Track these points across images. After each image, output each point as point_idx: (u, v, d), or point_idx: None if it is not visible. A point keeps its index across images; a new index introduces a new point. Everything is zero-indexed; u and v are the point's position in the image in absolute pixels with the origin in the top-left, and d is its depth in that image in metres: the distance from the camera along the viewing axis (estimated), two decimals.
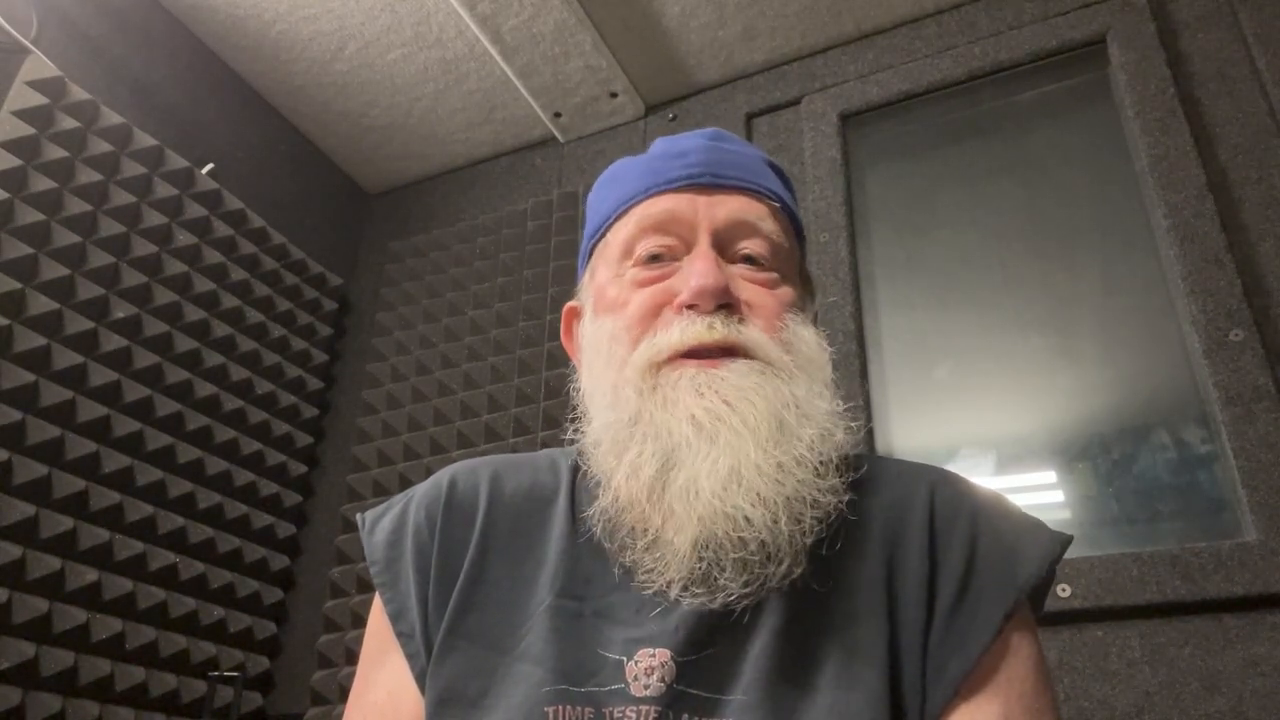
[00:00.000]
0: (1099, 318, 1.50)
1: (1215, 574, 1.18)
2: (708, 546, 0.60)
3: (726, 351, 0.65)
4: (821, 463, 0.63)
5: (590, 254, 0.79)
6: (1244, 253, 1.37)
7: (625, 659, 0.62)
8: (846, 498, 0.63)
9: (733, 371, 0.64)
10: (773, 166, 0.78)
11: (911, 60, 1.78)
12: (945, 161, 1.78)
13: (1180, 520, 1.32)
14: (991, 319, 1.59)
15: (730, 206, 0.71)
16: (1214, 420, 1.29)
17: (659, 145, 0.78)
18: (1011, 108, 1.74)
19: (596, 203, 0.80)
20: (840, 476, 0.63)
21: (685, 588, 0.61)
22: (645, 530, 0.64)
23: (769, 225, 0.72)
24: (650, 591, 0.63)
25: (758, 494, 0.60)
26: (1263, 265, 1.35)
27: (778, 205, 0.74)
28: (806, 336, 0.69)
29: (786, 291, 0.71)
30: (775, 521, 0.60)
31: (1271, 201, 1.38)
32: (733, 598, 0.60)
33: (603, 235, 0.77)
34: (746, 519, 0.59)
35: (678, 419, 0.63)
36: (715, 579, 0.61)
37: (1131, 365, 1.45)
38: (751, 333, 0.66)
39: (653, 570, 0.63)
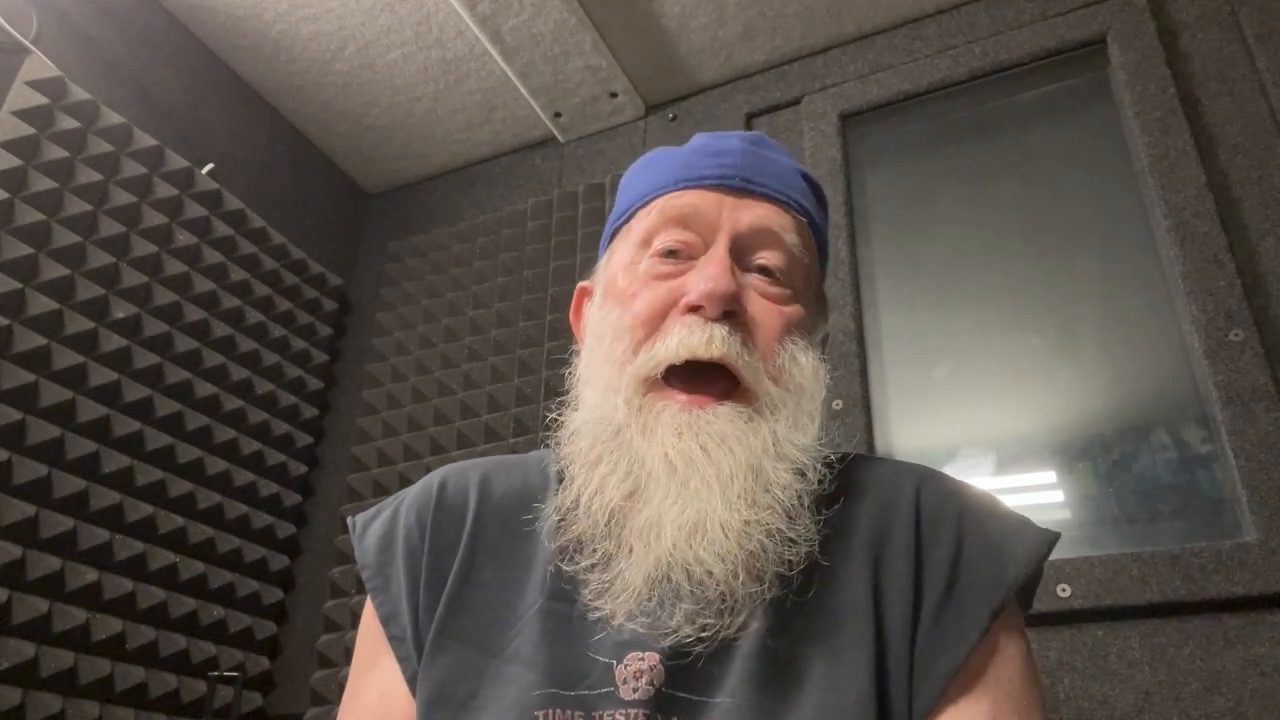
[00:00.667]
0: (1099, 318, 1.50)
1: (1215, 574, 1.18)
2: (660, 585, 0.60)
3: (719, 378, 0.65)
4: (796, 504, 0.62)
5: (612, 237, 0.78)
6: (1244, 253, 1.36)
7: (614, 662, 0.62)
8: (819, 540, 0.62)
9: (718, 416, 0.64)
10: (809, 181, 0.77)
11: (911, 60, 1.78)
12: (945, 161, 1.78)
13: (1180, 520, 1.32)
14: (991, 319, 1.59)
15: (755, 213, 0.70)
16: (1214, 420, 1.29)
17: (698, 140, 0.77)
18: (1011, 108, 1.74)
19: (626, 188, 0.78)
20: (814, 518, 0.62)
21: (631, 617, 0.61)
22: (594, 550, 0.64)
23: (791, 238, 0.71)
24: (594, 617, 0.63)
25: (720, 549, 0.59)
26: (1263, 265, 1.35)
27: (804, 220, 0.73)
28: (803, 363, 0.68)
29: (795, 310, 0.70)
30: (734, 579, 0.59)
31: (1271, 201, 1.38)
32: (688, 639, 0.60)
33: (626, 221, 0.76)
34: (707, 571, 0.59)
35: (653, 454, 0.63)
36: (662, 619, 0.61)
37: (1131, 365, 1.45)
38: (749, 358, 0.65)
39: (600, 595, 0.63)
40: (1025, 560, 0.63)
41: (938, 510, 0.65)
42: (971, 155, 1.76)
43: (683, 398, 0.65)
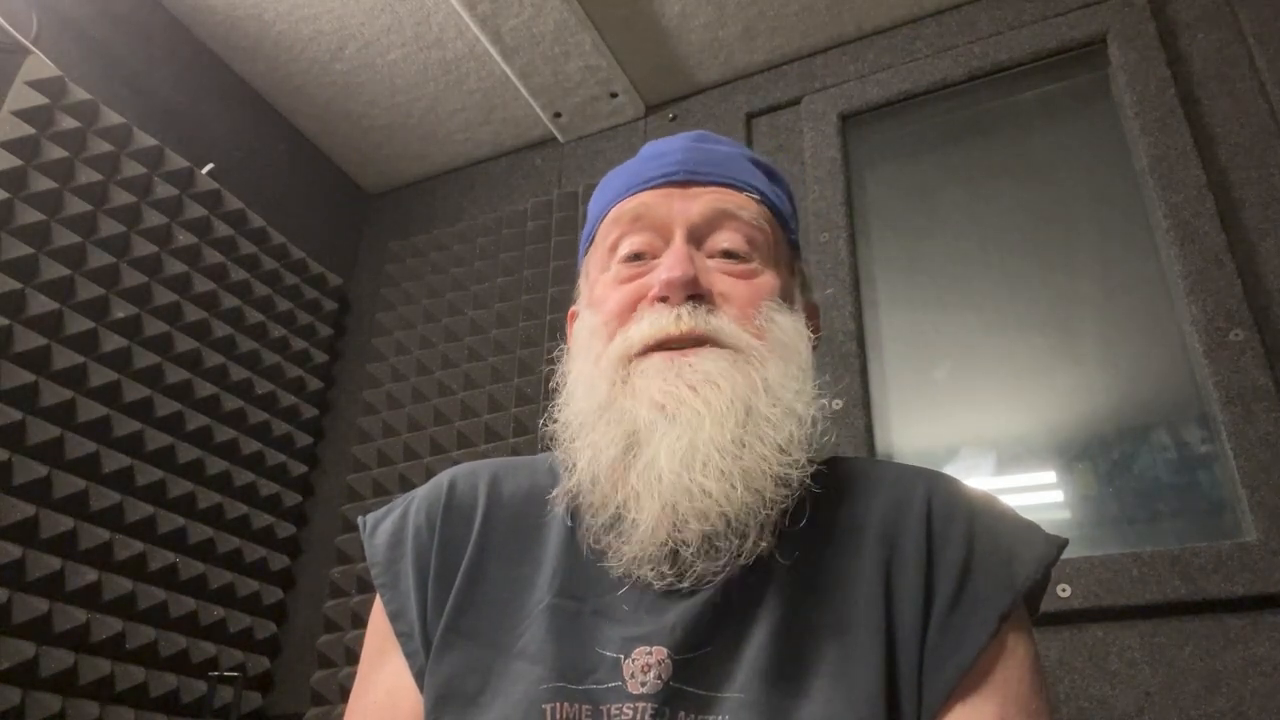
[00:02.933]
0: (1099, 318, 1.50)
1: (1215, 574, 1.18)
2: (671, 523, 0.62)
3: (696, 342, 0.67)
4: (788, 440, 0.64)
5: (584, 258, 0.82)
6: (1244, 253, 1.36)
7: (622, 657, 0.62)
8: (812, 469, 0.64)
9: (701, 359, 0.66)
10: (758, 163, 0.79)
11: (911, 60, 1.78)
12: (945, 161, 1.78)
13: (1180, 520, 1.32)
14: (991, 319, 1.59)
15: (704, 200, 0.73)
16: (1214, 420, 1.29)
17: (644, 149, 0.80)
18: (1011, 108, 1.74)
19: (589, 210, 0.82)
20: (807, 451, 0.65)
21: (654, 568, 0.63)
22: (606, 507, 0.65)
23: (746, 214, 0.73)
24: (619, 573, 0.64)
25: (717, 469, 0.61)
26: (1263, 265, 1.35)
27: (756, 196, 0.75)
28: (782, 323, 0.70)
29: (765, 281, 0.72)
30: (733, 492, 0.61)
31: (1271, 201, 1.38)
32: (705, 576, 0.62)
33: (592, 239, 0.79)
34: (706, 492, 0.61)
35: (643, 404, 0.65)
36: (682, 556, 0.62)
37: (1131, 365, 1.45)
38: (719, 322, 0.67)
39: (619, 551, 0.64)
40: (1034, 565, 0.64)
41: (949, 513, 0.66)
42: (971, 155, 1.76)
43: (664, 352, 0.67)
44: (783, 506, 0.63)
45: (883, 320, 1.65)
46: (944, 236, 1.70)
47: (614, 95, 1.97)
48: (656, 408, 0.64)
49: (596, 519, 0.66)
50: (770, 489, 0.62)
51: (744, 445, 0.62)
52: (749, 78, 1.97)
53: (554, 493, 0.72)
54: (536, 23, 1.78)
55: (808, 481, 0.64)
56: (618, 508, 0.65)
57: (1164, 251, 1.43)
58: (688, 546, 0.62)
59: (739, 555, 0.61)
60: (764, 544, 0.62)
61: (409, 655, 0.69)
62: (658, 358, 0.66)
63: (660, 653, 0.61)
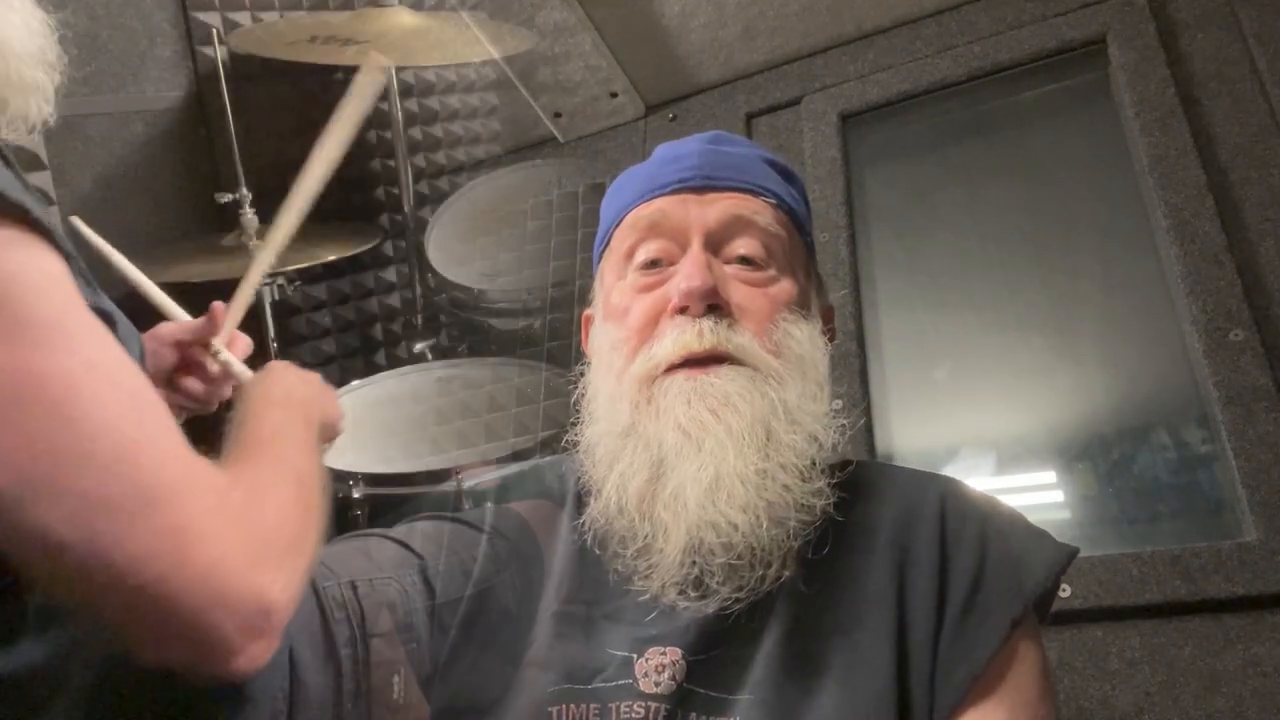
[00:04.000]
0: (1099, 318, 1.50)
1: (1215, 574, 1.18)
2: (697, 551, 0.62)
3: (717, 359, 0.66)
4: (809, 466, 0.64)
5: (599, 261, 0.81)
6: (1244, 253, 1.36)
7: (635, 656, 0.63)
8: (834, 499, 0.65)
9: (721, 378, 0.65)
10: (774, 164, 0.78)
11: (911, 60, 1.78)
12: (945, 161, 1.78)
13: (1180, 520, 1.32)
14: (991, 319, 1.59)
15: (722, 206, 0.72)
16: (1214, 420, 1.29)
17: (659, 151, 0.79)
18: (1011, 108, 1.74)
19: (603, 211, 0.81)
20: (829, 479, 0.65)
21: (681, 592, 0.63)
22: (635, 537, 0.65)
23: (763, 219, 0.73)
24: (646, 597, 0.64)
25: (741, 501, 0.61)
26: (1263, 265, 1.35)
27: (773, 201, 0.74)
28: (798, 336, 0.70)
29: (783, 289, 0.72)
30: (758, 526, 0.61)
31: (1271, 201, 1.38)
32: (727, 602, 0.62)
33: (607, 243, 0.78)
34: (732, 525, 0.61)
35: (667, 428, 0.64)
36: (706, 584, 0.62)
37: (1131, 365, 1.45)
38: (740, 339, 0.67)
39: (647, 577, 0.64)
40: (1044, 572, 0.65)
41: (962, 518, 0.67)
42: (971, 155, 1.76)
43: (685, 370, 0.67)
44: (806, 537, 0.63)
45: (883, 320, 1.65)
46: (944, 236, 1.70)
47: (614, 95, 1.97)
48: (681, 432, 0.64)
49: (626, 549, 0.66)
50: (794, 520, 0.63)
51: (766, 475, 0.62)
52: (749, 78, 1.96)
53: (565, 514, 0.72)
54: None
55: (830, 511, 0.64)
56: (645, 538, 0.65)
57: (1164, 251, 1.43)
58: (713, 576, 0.62)
59: (763, 581, 0.62)
60: (787, 573, 0.63)
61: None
62: (679, 376, 0.66)
63: (674, 653, 0.62)
